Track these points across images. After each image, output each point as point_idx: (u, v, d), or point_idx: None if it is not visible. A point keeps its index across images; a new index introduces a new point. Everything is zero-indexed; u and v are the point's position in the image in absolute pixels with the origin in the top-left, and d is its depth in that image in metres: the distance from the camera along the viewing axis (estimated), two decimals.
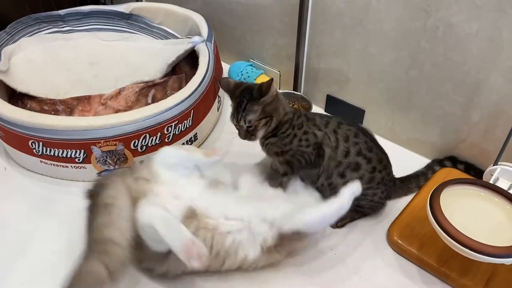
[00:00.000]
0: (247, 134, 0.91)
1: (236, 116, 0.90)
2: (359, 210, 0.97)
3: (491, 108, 0.99)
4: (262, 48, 1.41)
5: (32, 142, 1.03)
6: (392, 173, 0.99)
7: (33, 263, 0.91)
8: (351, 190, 0.84)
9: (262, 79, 1.40)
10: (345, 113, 1.28)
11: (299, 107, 1.34)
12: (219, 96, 1.28)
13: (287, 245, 0.85)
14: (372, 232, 0.97)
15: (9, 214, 1.02)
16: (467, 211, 0.84)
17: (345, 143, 0.91)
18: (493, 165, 0.96)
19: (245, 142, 0.93)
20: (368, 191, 0.93)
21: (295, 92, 1.36)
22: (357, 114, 1.25)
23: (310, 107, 1.30)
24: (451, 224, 0.77)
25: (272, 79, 0.87)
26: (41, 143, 1.02)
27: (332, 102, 1.31)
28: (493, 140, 1.02)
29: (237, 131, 0.94)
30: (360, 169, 0.91)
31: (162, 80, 1.26)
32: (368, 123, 1.25)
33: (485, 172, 0.99)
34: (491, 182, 0.92)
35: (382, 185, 0.94)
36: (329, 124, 0.93)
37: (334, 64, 1.24)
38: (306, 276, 0.88)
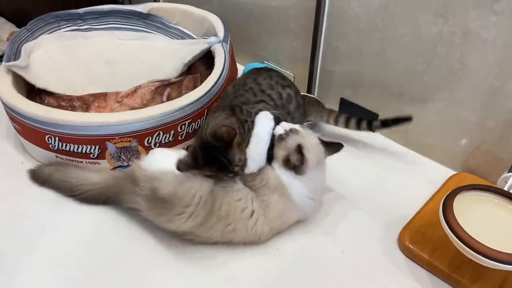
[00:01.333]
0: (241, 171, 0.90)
1: (225, 172, 0.87)
2: None
3: (506, 115, 0.98)
4: (277, 50, 1.42)
5: (48, 137, 1.05)
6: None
7: (47, 256, 0.93)
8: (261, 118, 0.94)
9: None
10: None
11: None
12: None
13: None
14: (383, 236, 0.96)
15: (25, 208, 1.03)
16: (480, 217, 0.83)
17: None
18: (508, 172, 0.95)
19: None
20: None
21: (309, 95, 1.36)
22: (370, 118, 1.24)
23: None
24: (464, 230, 0.77)
25: (224, 128, 0.84)
26: (57, 138, 1.04)
27: (345, 106, 1.31)
28: (508, 147, 1.01)
29: None
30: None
31: (178, 79, 1.28)
32: None
33: (499, 179, 0.98)
34: (505, 189, 0.91)
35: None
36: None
37: (349, 67, 1.24)
38: (314, 278, 0.88)
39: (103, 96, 1.23)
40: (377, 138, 1.25)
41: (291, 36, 1.35)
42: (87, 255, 0.93)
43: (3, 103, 1.09)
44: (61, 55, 1.30)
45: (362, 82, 1.23)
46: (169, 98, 1.23)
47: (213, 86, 1.13)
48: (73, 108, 1.20)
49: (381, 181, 1.11)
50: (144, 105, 1.21)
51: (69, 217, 1.00)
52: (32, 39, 1.29)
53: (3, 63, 1.15)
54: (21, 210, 1.03)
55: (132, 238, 0.95)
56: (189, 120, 1.08)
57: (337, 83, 1.30)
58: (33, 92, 1.22)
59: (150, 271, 0.89)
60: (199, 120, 1.11)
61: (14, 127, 1.14)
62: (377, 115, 1.23)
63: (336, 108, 1.34)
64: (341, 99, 1.31)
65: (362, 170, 1.14)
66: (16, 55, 1.20)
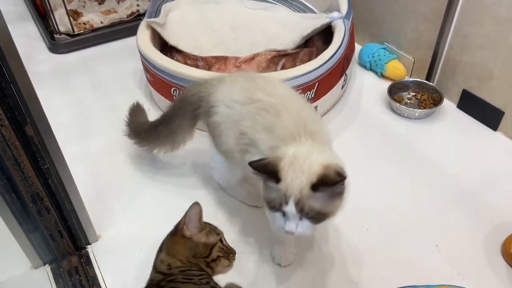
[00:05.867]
0: None
1: None
2: None
3: None
4: (400, 32, 1.36)
5: (173, 89, 1.17)
6: None
7: None
8: None
9: (394, 64, 1.35)
10: (480, 112, 1.18)
11: (428, 98, 1.28)
12: (346, 75, 1.28)
13: None
14: (486, 238, 0.90)
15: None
16: None
17: None
18: None
19: None
20: None
21: (427, 82, 1.29)
22: (494, 115, 1.15)
23: (441, 100, 1.23)
24: None
25: None
26: (181, 91, 1.16)
27: (467, 98, 1.21)
28: None
29: None
30: None
31: (294, 51, 1.30)
32: (506, 126, 1.14)
33: None
34: None
35: None
36: None
37: (478, 57, 1.14)
38: (402, 267, 0.86)
39: (224, 59, 1.32)
40: (498, 136, 1.14)
41: (418, 18, 1.28)
42: None
43: (141, 54, 1.24)
44: (194, 18, 1.41)
45: (491, 74, 1.12)
46: (283, 69, 1.27)
47: (327, 60, 1.13)
48: (197, 67, 1.30)
49: (495, 182, 1.03)
50: (259, 72, 1.27)
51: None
52: (171, 0, 1.42)
53: (145, 19, 1.30)
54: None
55: None
56: (299, 91, 1.10)
57: (461, 72, 1.21)
58: (165, 49, 1.35)
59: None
60: (308, 92, 1.14)
61: (147, 77, 1.29)
62: (503, 113, 1.13)
63: (455, 100, 1.25)
64: (464, 90, 1.21)
65: (476, 167, 1.07)
66: (156, 13, 1.35)
